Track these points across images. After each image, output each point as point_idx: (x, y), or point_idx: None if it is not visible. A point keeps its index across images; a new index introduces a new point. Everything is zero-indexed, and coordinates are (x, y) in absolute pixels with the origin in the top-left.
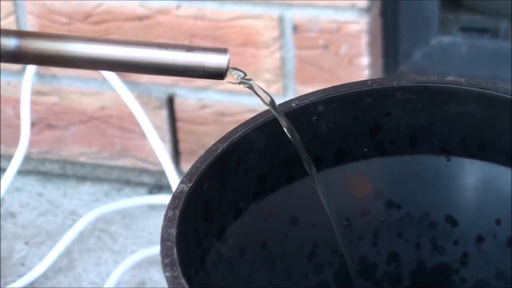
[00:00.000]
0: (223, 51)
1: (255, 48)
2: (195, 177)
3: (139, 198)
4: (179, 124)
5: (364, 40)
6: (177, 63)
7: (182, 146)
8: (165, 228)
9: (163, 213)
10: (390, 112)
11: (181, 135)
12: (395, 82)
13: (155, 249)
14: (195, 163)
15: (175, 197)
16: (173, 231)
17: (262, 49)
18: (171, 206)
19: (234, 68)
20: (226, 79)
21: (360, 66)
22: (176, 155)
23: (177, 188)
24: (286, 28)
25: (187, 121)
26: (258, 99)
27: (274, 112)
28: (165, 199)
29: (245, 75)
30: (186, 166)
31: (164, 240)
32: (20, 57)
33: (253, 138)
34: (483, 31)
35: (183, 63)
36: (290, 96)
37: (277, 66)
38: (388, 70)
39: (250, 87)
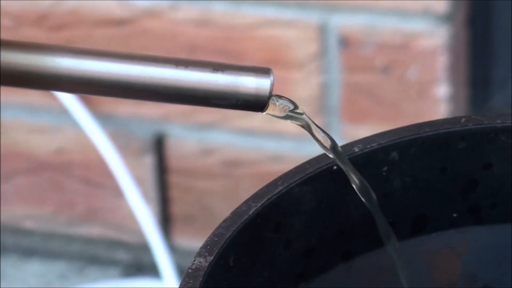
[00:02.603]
0: (264, 71)
1: (283, 68)
2: (218, 249)
3: (110, 282)
4: (171, 177)
5: (441, 60)
6: (200, 87)
7: (175, 208)
8: None
9: None
10: (491, 163)
11: (173, 193)
12: (498, 121)
13: None
14: (217, 229)
15: (190, 275)
16: None
17: (293, 70)
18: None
19: (280, 96)
20: (267, 111)
21: (435, 98)
22: (166, 221)
23: (192, 263)
24: (330, 41)
25: (182, 172)
26: (287, 142)
27: (339, 163)
28: (147, 284)
29: (296, 106)
30: (179, 238)
31: None
32: None
33: (299, 196)
34: None
35: (208, 87)
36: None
37: (316, 95)
38: (476, 104)
39: (304, 125)
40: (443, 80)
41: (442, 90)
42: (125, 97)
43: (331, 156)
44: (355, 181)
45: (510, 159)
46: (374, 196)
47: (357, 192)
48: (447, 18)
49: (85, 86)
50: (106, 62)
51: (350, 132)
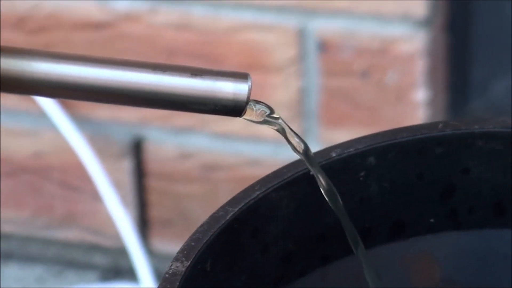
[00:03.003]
0: (242, 76)
1: (262, 73)
2: (195, 253)
3: (88, 286)
4: (149, 181)
5: (420, 65)
6: (178, 92)
7: (153, 212)
8: None
9: None
10: (468, 168)
11: (151, 197)
12: (476, 126)
13: None
14: (195, 234)
15: (167, 280)
16: None
17: (272, 74)
18: None
19: (257, 101)
20: (244, 116)
21: (414, 103)
22: (144, 225)
23: (169, 268)
24: (309, 45)
25: (160, 176)
26: (264, 146)
27: (309, 167)
28: None
29: (272, 111)
30: (157, 242)
31: None
32: None
33: (277, 201)
34: None
35: (186, 92)
36: (311, 142)
37: (294, 99)
38: (455, 109)
39: (280, 130)
40: (421, 85)
41: (420, 95)
42: (102, 102)
43: (302, 159)
44: (323, 185)
45: (487, 164)
46: (340, 200)
47: (325, 197)
48: (426, 22)
49: (62, 91)
50: (83, 66)
51: (329, 136)
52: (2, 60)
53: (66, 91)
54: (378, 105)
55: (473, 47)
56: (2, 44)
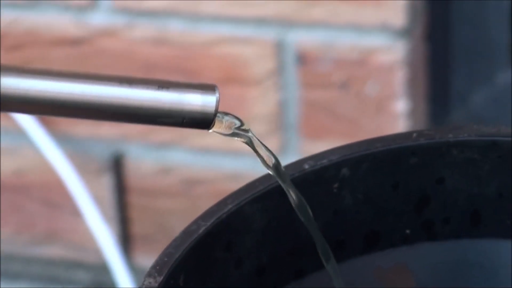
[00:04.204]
0: (209, 88)
1: (240, 86)
2: (167, 269)
3: None
4: (130, 197)
5: (399, 75)
6: (146, 106)
7: (134, 228)
8: None
9: None
10: (443, 178)
11: (132, 213)
12: (450, 135)
13: None
14: (167, 248)
15: None
16: None
17: (250, 87)
18: None
19: (226, 113)
20: (213, 129)
21: (394, 113)
22: (125, 241)
23: (143, 284)
24: (287, 58)
25: (141, 192)
26: (244, 160)
27: (279, 180)
28: None
29: (242, 124)
30: (139, 258)
31: None
32: None
33: (250, 215)
34: None
35: (153, 105)
36: (291, 155)
37: (274, 112)
38: (435, 119)
39: (248, 142)
40: (401, 95)
41: (400, 105)
42: (70, 117)
43: (271, 173)
44: (294, 200)
45: (462, 173)
46: (310, 212)
47: (296, 212)
48: (405, 32)
49: (27, 106)
50: (48, 80)
51: (309, 148)
52: None
53: (32, 107)
54: (358, 117)
55: (453, 56)
56: None
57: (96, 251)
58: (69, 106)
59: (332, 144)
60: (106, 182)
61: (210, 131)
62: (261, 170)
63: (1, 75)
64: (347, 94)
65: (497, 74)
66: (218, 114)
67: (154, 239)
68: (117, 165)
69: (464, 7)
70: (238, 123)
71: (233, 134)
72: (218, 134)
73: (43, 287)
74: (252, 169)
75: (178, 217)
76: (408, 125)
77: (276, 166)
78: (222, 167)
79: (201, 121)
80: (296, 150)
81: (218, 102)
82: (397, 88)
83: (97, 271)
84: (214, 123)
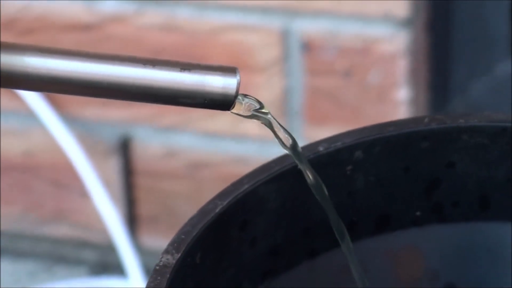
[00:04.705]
0: (231, 70)
1: (246, 72)
2: (184, 246)
3: (77, 281)
4: (137, 179)
5: (401, 65)
6: (168, 86)
7: (140, 209)
8: None
9: None
10: (454, 162)
11: (138, 194)
12: (461, 121)
13: None
14: (185, 227)
15: (157, 272)
16: None
17: (256, 74)
18: (151, 285)
19: (245, 95)
20: (232, 110)
21: (395, 101)
22: (131, 221)
23: (160, 260)
24: (292, 45)
25: (147, 174)
26: (249, 144)
27: (296, 161)
28: (113, 283)
29: (261, 106)
30: (145, 238)
31: None
32: None
33: (265, 195)
34: None
35: (176, 86)
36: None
37: (279, 98)
38: (435, 108)
39: (267, 124)
40: (403, 84)
41: (402, 94)
42: (94, 96)
43: (289, 153)
44: (311, 180)
45: (472, 158)
46: (326, 193)
47: (313, 191)
48: (408, 22)
49: (54, 85)
50: (75, 61)
51: (313, 134)
52: None
53: (57, 85)
54: (360, 104)
55: (454, 47)
56: None
57: (103, 231)
58: (94, 86)
59: (335, 130)
60: (114, 164)
61: (230, 112)
62: (266, 154)
63: (29, 54)
64: (350, 82)
65: (496, 65)
66: (238, 96)
67: (160, 220)
68: (124, 148)
69: (464, 2)
70: (257, 106)
71: (252, 116)
72: (225, 117)
73: (50, 265)
74: (256, 153)
75: (183, 200)
76: (409, 113)
77: (294, 147)
78: (227, 151)
79: (222, 102)
80: (300, 136)
81: (239, 84)
82: (399, 77)
83: (104, 250)
84: (234, 104)
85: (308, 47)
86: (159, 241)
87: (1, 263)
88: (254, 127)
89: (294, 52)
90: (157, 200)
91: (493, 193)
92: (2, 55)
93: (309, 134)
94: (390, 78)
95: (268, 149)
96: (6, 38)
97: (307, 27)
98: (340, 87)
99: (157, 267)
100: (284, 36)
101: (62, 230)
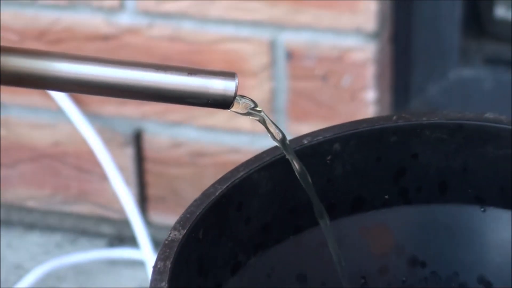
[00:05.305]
0: (230, 75)
1: (240, 76)
2: (189, 224)
3: (97, 251)
4: (147, 165)
5: (370, 70)
6: (176, 88)
7: (150, 191)
8: (154, 281)
9: (125, 270)
10: (417, 153)
11: (149, 178)
12: (424, 118)
13: None
14: (189, 207)
15: (166, 246)
16: (164, 285)
17: (248, 78)
18: (161, 256)
19: (242, 96)
20: (232, 109)
21: (364, 102)
22: (143, 201)
23: (169, 236)
24: (278, 54)
25: (156, 161)
26: (242, 137)
27: (284, 152)
28: (128, 253)
29: (255, 105)
30: (154, 215)
31: None
32: None
33: (258, 180)
34: (510, 63)
35: (183, 88)
36: None
37: (267, 98)
38: (397, 107)
39: (261, 120)
40: (371, 87)
41: (370, 95)
42: (113, 96)
43: (279, 145)
44: (296, 168)
45: (433, 150)
46: (310, 179)
47: (298, 177)
48: (375, 35)
49: (81, 87)
50: (97, 66)
51: (295, 129)
52: (28, 61)
53: (85, 87)
54: (335, 104)
55: (413, 55)
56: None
57: (119, 209)
58: (114, 87)
59: (314, 126)
60: (128, 153)
61: (229, 110)
62: (256, 145)
63: (59, 61)
64: (327, 85)
65: (449, 70)
66: (236, 97)
67: (166, 200)
68: (137, 139)
69: (422, 16)
70: (252, 105)
71: (248, 114)
72: (223, 115)
73: (75, 237)
74: (248, 144)
75: (187, 183)
76: (375, 111)
77: (283, 140)
78: (223, 142)
79: (223, 102)
80: (284, 130)
81: (237, 87)
82: (368, 81)
83: (120, 225)
84: (233, 104)
85: (291, 55)
86: (166, 218)
87: (33, 236)
88: (246, 122)
89: (280, 60)
90: (165, 183)
91: (451, 179)
92: (36, 62)
93: (291, 129)
94: (360, 82)
95: (258, 141)
96: (39, 47)
97: (291, 39)
98: (318, 89)
99: (166, 242)
100: (272, 46)
101: (84, 208)
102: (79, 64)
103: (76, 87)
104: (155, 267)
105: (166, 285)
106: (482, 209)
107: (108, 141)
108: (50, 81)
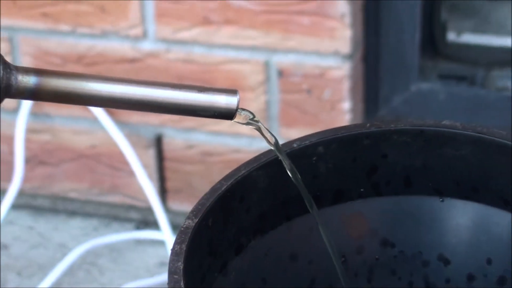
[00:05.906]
0: (233, 92)
1: (241, 91)
2: (201, 213)
3: (127, 233)
4: (166, 163)
5: (346, 85)
6: (189, 103)
7: (169, 184)
8: (172, 261)
9: (150, 248)
10: (386, 154)
11: (168, 174)
12: (392, 125)
13: (141, 283)
14: (200, 200)
15: (182, 232)
16: (180, 264)
17: (248, 92)
18: (178, 240)
19: (243, 109)
20: (234, 120)
21: (341, 111)
22: (163, 192)
23: (184, 224)
24: (272, 73)
25: (174, 160)
26: (242, 140)
27: (278, 154)
28: (151, 234)
29: (254, 116)
30: (172, 204)
31: (171, 273)
32: (39, 94)
33: (256, 177)
34: (460, 78)
35: (195, 103)
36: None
37: (262, 108)
38: (368, 115)
39: (258, 128)
40: (346, 98)
41: (346, 105)
42: (138, 110)
43: (273, 149)
44: (288, 167)
45: (399, 151)
46: (299, 176)
47: (289, 174)
48: (350, 56)
49: (112, 103)
50: (125, 85)
51: (285, 133)
52: (67, 82)
53: (115, 103)
54: (318, 112)
55: (381, 72)
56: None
57: (144, 199)
58: (139, 103)
59: (301, 131)
60: (151, 153)
61: (232, 121)
62: (254, 147)
63: (94, 81)
64: (311, 97)
65: (410, 84)
66: (238, 110)
67: (182, 192)
68: (158, 142)
69: (388, 40)
70: (251, 116)
71: (248, 123)
72: (227, 123)
73: (109, 222)
74: (248, 145)
75: (198, 178)
76: (350, 118)
77: (276, 144)
78: (228, 144)
79: (227, 114)
80: (277, 134)
81: (238, 101)
82: (344, 93)
83: (145, 212)
84: (235, 115)
85: (282, 73)
86: (182, 206)
87: (74, 221)
88: (246, 128)
89: (272, 77)
90: (181, 177)
91: (414, 175)
92: (76, 82)
93: (283, 133)
94: (338, 94)
95: (255, 143)
96: (77, 69)
97: (282, 60)
98: (304, 101)
99: (182, 228)
100: (266, 66)
101: (116, 198)
102: (110, 84)
103: (108, 103)
104: (173, 249)
105: (182, 264)
106: (441, 200)
107: (134, 144)
108: (87, 99)
